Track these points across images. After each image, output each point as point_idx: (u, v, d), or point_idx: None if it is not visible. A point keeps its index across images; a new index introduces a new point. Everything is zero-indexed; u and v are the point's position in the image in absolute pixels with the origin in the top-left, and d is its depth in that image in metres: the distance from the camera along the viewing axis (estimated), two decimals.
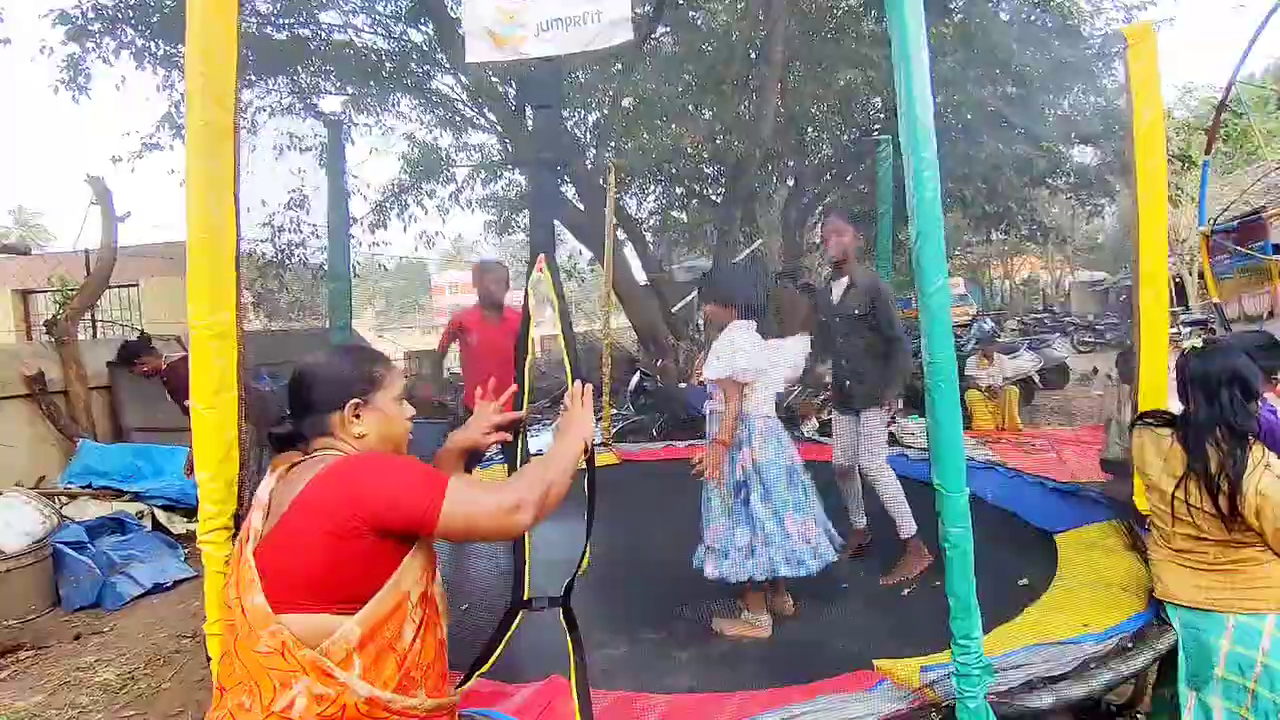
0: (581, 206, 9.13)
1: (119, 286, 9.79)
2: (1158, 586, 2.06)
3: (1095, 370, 11.25)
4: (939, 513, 1.56)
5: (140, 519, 5.95)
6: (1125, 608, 2.13)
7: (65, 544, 4.91)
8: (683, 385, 6.79)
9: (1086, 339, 17.13)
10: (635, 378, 7.23)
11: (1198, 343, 2.01)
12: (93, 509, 5.87)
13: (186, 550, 5.49)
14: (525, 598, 1.67)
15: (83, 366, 7.13)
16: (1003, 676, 1.70)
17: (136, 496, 6.20)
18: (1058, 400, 10.31)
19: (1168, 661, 2.01)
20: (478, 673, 1.69)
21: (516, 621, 1.67)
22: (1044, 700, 1.68)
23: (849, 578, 3.15)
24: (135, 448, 7.01)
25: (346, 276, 3.79)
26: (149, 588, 4.87)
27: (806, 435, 5.60)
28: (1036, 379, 9.63)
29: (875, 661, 1.97)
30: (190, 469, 6.01)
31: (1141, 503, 2.59)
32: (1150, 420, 2.13)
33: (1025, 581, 2.73)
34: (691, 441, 5.32)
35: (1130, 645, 1.92)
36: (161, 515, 6.15)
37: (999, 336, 12.69)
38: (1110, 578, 2.43)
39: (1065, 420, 8.76)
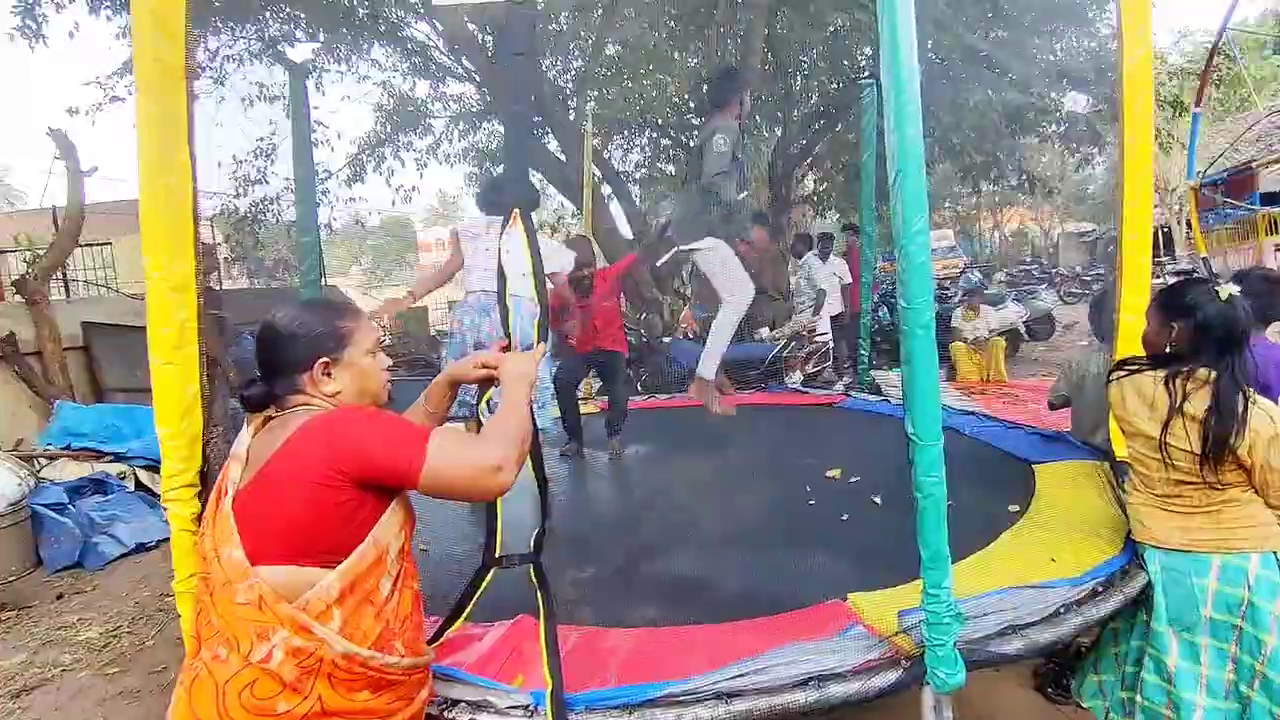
0: (563, 158, 8.93)
1: (91, 245, 9.54)
2: (1138, 530, 2.06)
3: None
4: (911, 461, 1.53)
5: (122, 479, 5.92)
6: (1100, 550, 2.14)
7: (45, 506, 4.88)
8: (666, 339, 6.75)
9: (1073, 289, 17.19)
10: None
11: (1235, 289, 1.92)
12: (72, 470, 5.82)
13: None
14: (497, 555, 1.64)
15: (55, 327, 6.98)
16: (975, 624, 1.70)
17: (118, 457, 6.15)
18: (1044, 351, 10.37)
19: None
20: (450, 628, 1.67)
21: (488, 579, 1.65)
22: (1013, 645, 1.68)
23: (819, 497, 3.17)
24: (115, 408, 6.91)
25: (315, 230, 3.68)
26: (132, 547, 4.87)
27: (791, 386, 5.60)
28: (1023, 330, 9.66)
29: (850, 596, 1.98)
30: None
31: (1120, 449, 2.59)
32: (1128, 368, 2.11)
33: (1016, 508, 2.68)
34: (674, 394, 5.30)
35: (1101, 589, 1.92)
36: (144, 475, 6.12)
37: (986, 288, 12.69)
38: (1086, 515, 2.43)
39: (1051, 371, 8.81)
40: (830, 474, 3.34)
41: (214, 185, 9.41)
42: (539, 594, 1.61)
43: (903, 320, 1.54)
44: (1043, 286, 13.03)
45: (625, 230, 10.29)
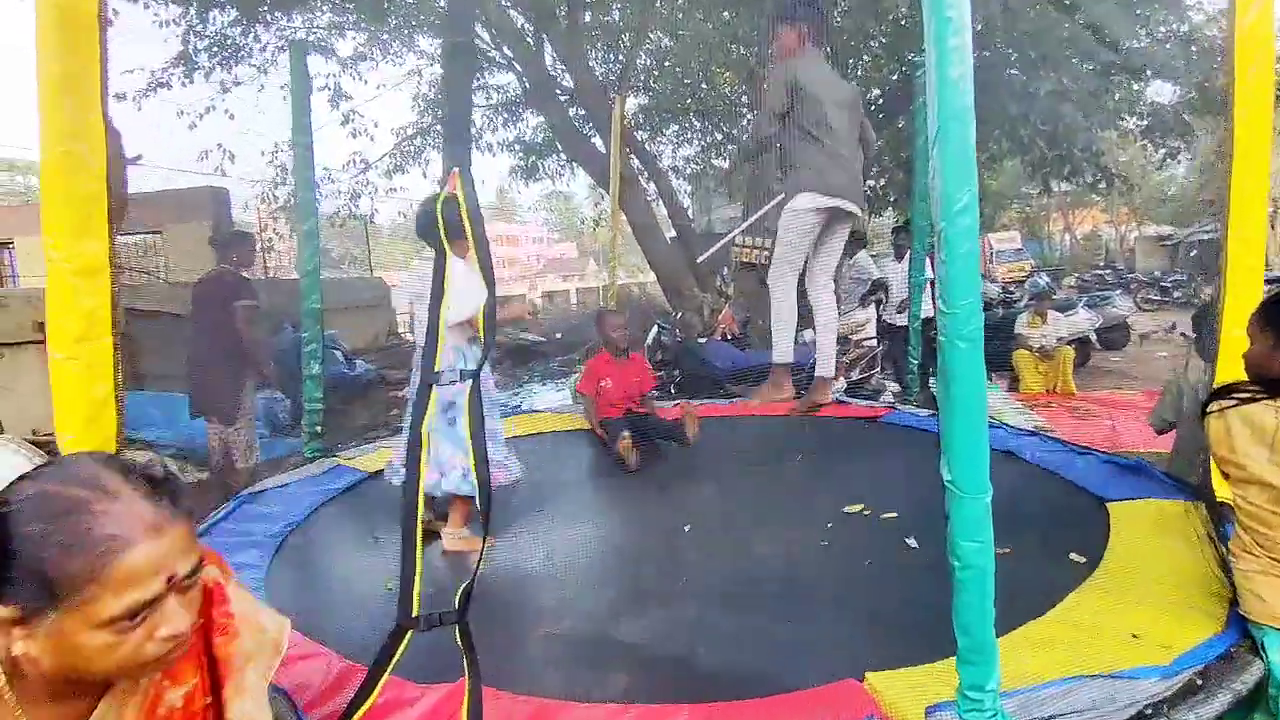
0: (605, 150, 8.62)
1: (141, 233, 9.72)
2: (1252, 605, 1.61)
3: (1174, 326, 10.30)
4: (947, 518, 1.15)
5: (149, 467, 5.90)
6: (1198, 624, 1.69)
7: None
8: (702, 340, 6.37)
9: (1151, 296, 16.09)
10: (653, 331, 6.83)
11: None
12: None
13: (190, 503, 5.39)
14: (413, 614, 1.32)
15: None
16: None
17: (146, 445, 6.14)
18: (1117, 361, 9.58)
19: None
20: (361, 709, 1.34)
21: (404, 644, 1.32)
22: None
23: (842, 537, 2.66)
24: (149, 395, 6.98)
25: (315, 217, 3.48)
26: None
27: (832, 395, 5.14)
28: (1094, 339, 8.93)
29: (868, 676, 1.59)
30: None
31: (1222, 490, 2.12)
32: (1236, 396, 1.66)
33: (1081, 559, 2.20)
34: (706, 400, 4.93)
35: (1201, 682, 1.49)
36: (173, 464, 6.08)
37: (1055, 293, 11.86)
38: (1176, 575, 1.96)
39: (1125, 383, 8.09)
40: (850, 510, 2.82)
41: (260, 173, 9.47)
42: (465, 662, 1.29)
43: (940, 330, 1.16)
44: (1117, 292, 12.08)
45: (668, 230, 9.94)
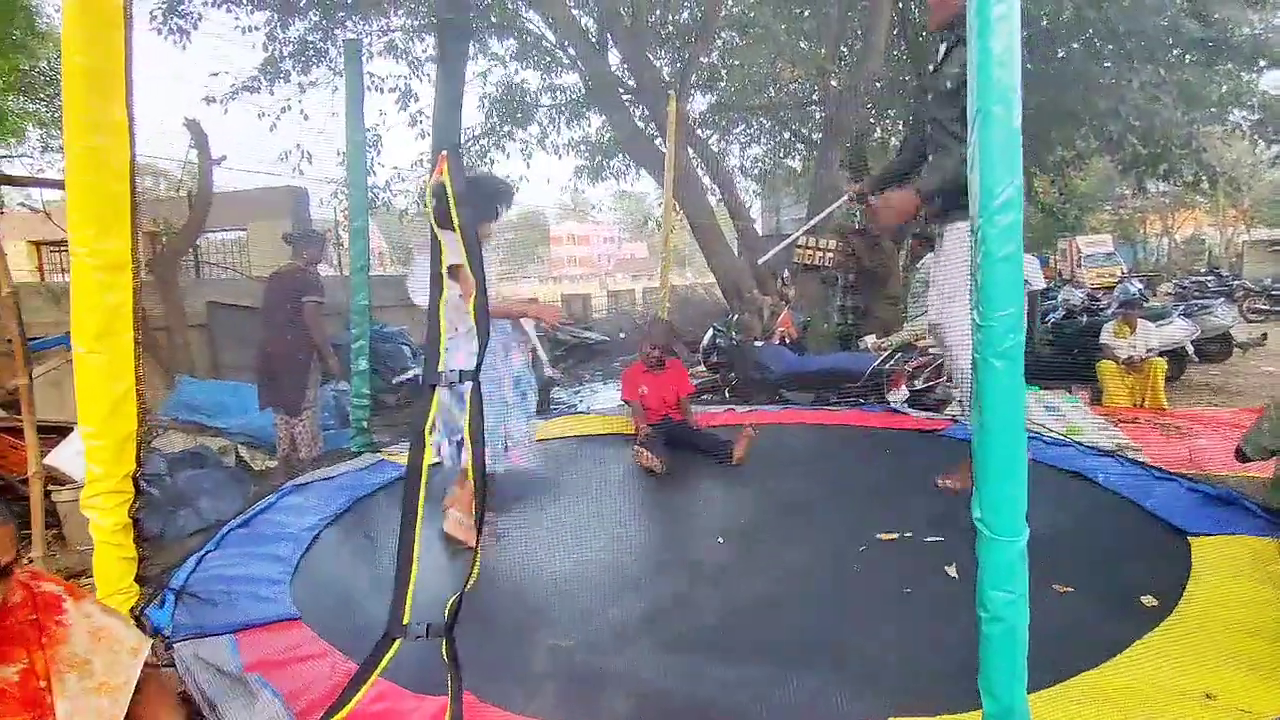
0: (664, 150, 8.53)
1: (227, 230, 10.23)
2: None
3: (1265, 336, 9.48)
4: (977, 560, 1.00)
5: (223, 454, 6.14)
6: None
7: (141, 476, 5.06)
8: (758, 343, 6.20)
9: (1260, 306, 14.80)
10: (709, 334, 6.69)
11: None
12: (180, 442, 6.10)
13: (256, 489, 5.59)
14: (404, 623, 1.26)
15: (183, 304, 7.45)
16: None
17: (220, 432, 6.42)
18: (1217, 376, 8.83)
19: None
20: (343, 711, 1.29)
21: (390, 653, 1.26)
22: None
23: (871, 571, 2.43)
24: (227, 384, 7.29)
25: (365, 215, 3.52)
26: (211, 522, 4.96)
27: (893, 404, 4.90)
28: (1191, 350, 8.24)
29: None
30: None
31: None
32: None
33: (1153, 602, 1.95)
34: (755, 407, 4.77)
35: None
36: (244, 451, 6.33)
37: (1147, 300, 11.05)
38: (1264, 624, 1.72)
39: (1226, 399, 7.45)
40: (885, 537, 2.60)
41: (330, 172, 9.81)
42: (449, 679, 1.22)
43: (975, 344, 1.01)
44: (1220, 301, 11.13)
45: (730, 231, 9.76)
